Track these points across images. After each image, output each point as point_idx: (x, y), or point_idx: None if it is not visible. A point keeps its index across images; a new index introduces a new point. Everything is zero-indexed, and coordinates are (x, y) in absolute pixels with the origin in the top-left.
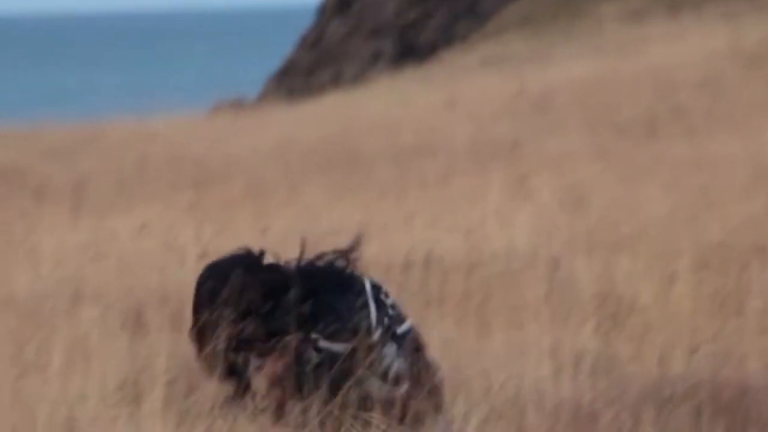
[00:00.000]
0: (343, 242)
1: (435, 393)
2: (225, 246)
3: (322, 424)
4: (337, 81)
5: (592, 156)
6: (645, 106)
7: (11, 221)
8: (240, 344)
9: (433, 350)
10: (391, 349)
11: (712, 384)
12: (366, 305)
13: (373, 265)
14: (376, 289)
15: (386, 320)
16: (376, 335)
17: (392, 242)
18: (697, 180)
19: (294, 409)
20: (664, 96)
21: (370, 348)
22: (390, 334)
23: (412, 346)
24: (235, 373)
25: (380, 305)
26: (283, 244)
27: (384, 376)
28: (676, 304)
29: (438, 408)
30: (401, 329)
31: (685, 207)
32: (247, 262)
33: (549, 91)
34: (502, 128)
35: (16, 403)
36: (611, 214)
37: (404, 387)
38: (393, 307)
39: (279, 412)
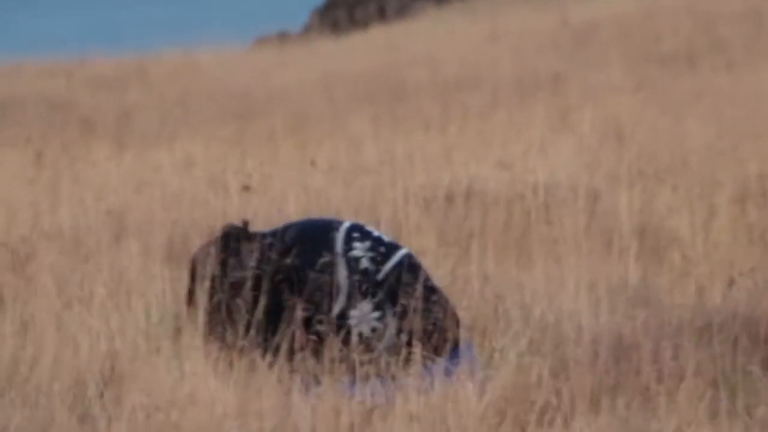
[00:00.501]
0: (384, 174)
1: (444, 324)
2: (268, 178)
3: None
4: (381, 14)
5: (633, 88)
6: (686, 38)
7: (57, 153)
8: None
9: (473, 282)
10: (365, 307)
11: (750, 316)
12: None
13: (415, 197)
14: (351, 232)
15: (356, 277)
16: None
17: (434, 175)
18: (737, 112)
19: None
20: (704, 28)
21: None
22: (364, 290)
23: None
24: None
25: (350, 261)
26: (326, 176)
27: (360, 337)
28: (715, 237)
29: (451, 340)
30: (386, 267)
31: (725, 139)
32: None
33: (591, 24)
34: (545, 61)
35: (59, 335)
36: (652, 147)
37: (385, 340)
38: (377, 243)
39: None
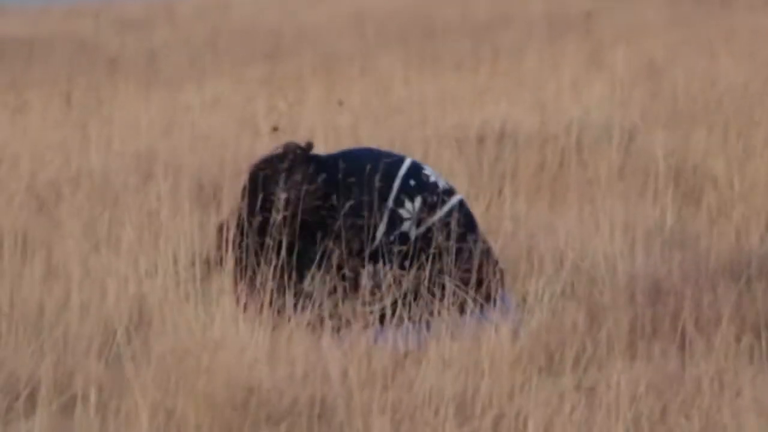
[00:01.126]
0: (415, 115)
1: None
2: (297, 118)
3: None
4: None
5: (667, 27)
6: None
7: (84, 95)
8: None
9: (506, 225)
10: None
11: None
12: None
13: (447, 138)
14: (408, 180)
15: (392, 237)
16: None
17: (466, 115)
18: None
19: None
20: None
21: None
22: (395, 252)
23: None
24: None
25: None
26: (356, 116)
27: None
28: (751, 178)
29: (495, 289)
30: (430, 221)
31: (761, 78)
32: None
33: None
34: None
35: (87, 278)
36: (687, 86)
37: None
38: (430, 192)
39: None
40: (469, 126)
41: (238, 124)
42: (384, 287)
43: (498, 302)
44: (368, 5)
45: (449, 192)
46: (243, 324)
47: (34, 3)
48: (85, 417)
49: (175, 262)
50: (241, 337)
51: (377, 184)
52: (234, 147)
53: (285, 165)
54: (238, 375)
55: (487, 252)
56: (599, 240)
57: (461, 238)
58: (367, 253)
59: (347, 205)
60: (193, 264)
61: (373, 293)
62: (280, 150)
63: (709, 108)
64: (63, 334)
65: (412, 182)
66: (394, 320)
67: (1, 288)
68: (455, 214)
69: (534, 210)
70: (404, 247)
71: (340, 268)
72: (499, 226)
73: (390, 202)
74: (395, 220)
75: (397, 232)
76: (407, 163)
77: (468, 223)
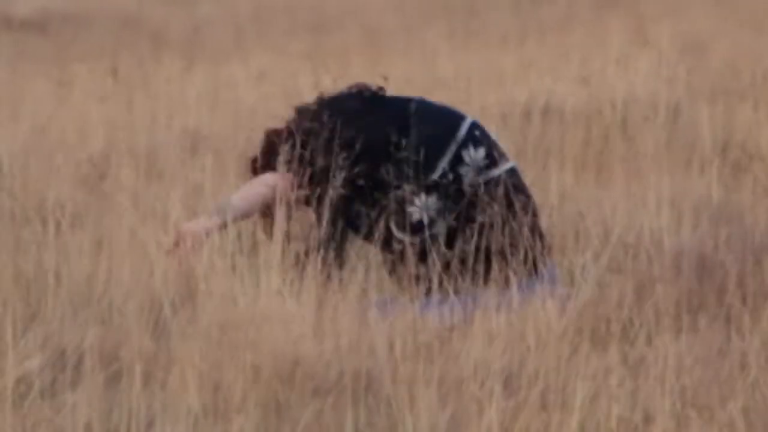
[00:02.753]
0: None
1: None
2: None
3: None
4: None
5: (712, 3)
6: None
7: (129, 69)
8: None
9: (552, 199)
10: (430, 200)
11: None
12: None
13: (492, 113)
14: (473, 129)
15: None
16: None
17: (511, 90)
18: None
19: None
20: None
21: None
22: (432, 185)
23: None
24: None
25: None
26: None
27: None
28: None
29: (543, 262)
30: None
31: None
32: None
33: None
34: None
35: (134, 252)
36: (732, 62)
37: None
38: (495, 143)
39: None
40: (514, 101)
41: (283, 98)
42: (429, 261)
43: (545, 275)
44: None
45: (506, 156)
46: (289, 297)
47: None
48: (131, 389)
49: (222, 234)
50: (287, 309)
51: (446, 122)
52: (278, 120)
53: (354, 104)
54: (284, 348)
55: (534, 224)
56: (645, 214)
57: (512, 203)
58: (425, 181)
59: (412, 139)
60: (239, 237)
61: (420, 262)
62: (353, 89)
63: (755, 83)
64: (109, 307)
65: (477, 132)
66: (440, 293)
67: (48, 260)
68: (508, 179)
69: (580, 185)
70: (458, 186)
71: (387, 242)
72: (545, 201)
73: (459, 138)
74: (459, 159)
75: (457, 172)
76: (470, 118)
77: (521, 190)
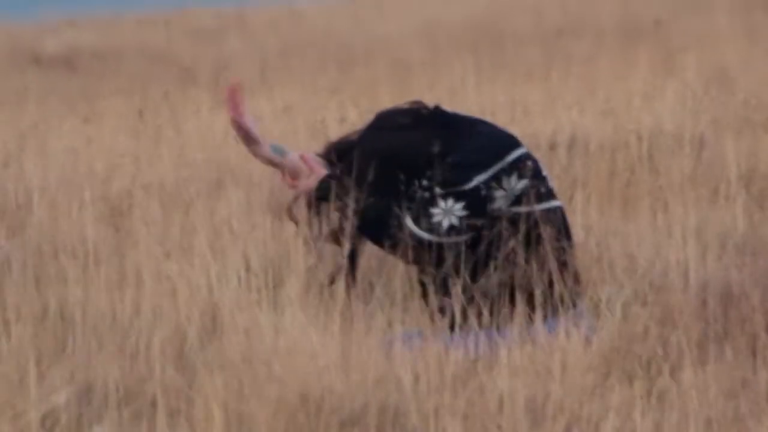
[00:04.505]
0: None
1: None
2: None
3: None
4: None
5: (739, 35)
6: None
7: (156, 104)
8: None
9: (578, 232)
10: (455, 206)
11: None
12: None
13: None
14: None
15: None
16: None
17: (537, 123)
18: None
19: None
20: None
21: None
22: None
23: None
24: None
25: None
26: None
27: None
28: None
29: (577, 293)
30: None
31: None
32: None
33: None
34: (648, 6)
35: (160, 284)
36: (759, 93)
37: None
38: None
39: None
40: (540, 133)
41: (309, 132)
42: (453, 295)
43: (571, 311)
44: (438, 15)
45: (553, 194)
46: (314, 330)
47: (104, 12)
48: (156, 423)
49: (247, 269)
50: (312, 343)
51: (498, 143)
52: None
53: (407, 120)
54: (310, 381)
55: (566, 263)
56: (671, 246)
57: (540, 239)
58: (456, 188)
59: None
60: (264, 271)
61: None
62: (406, 105)
63: None
64: (135, 341)
65: (528, 164)
66: (465, 326)
67: (73, 295)
68: (545, 216)
69: (605, 217)
70: (486, 206)
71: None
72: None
73: (505, 162)
74: (497, 180)
75: (491, 192)
76: (526, 149)
77: (560, 229)
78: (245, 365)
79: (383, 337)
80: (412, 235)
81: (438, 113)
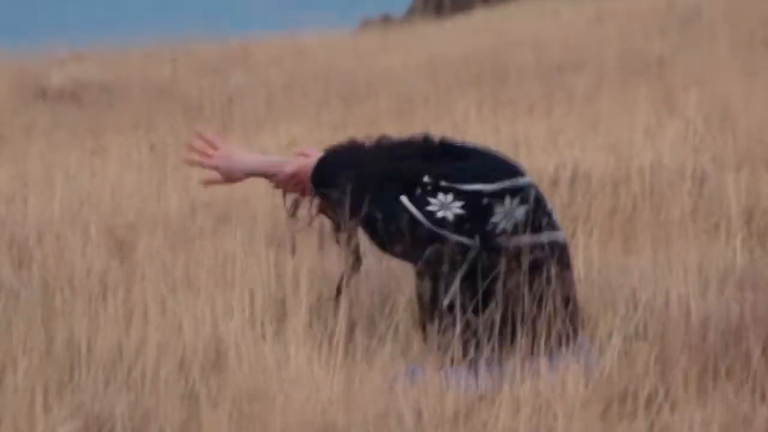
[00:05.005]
0: None
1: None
2: None
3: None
4: None
5: (740, 72)
6: None
7: (162, 139)
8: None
9: (580, 266)
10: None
11: None
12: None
13: None
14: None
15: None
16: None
17: (539, 158)
18: None
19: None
20: None
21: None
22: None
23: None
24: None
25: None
26: None
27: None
28: None
29: (575, 328)
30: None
31: None
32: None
33: (697, 5)
34: (650, 43)
35: (164, 320)
36: (760, 130)
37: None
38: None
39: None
40: (542, 169)
41: None
42: (456, 330)
43: (572, 346)
44: (440, 50)
45: (556, 226)
46: (317, 364)
47: (110, 46)
48: None
49: (251, 303)
50: (315, 377)
51: (504, 168)
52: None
53: (410, 150)
54: (313, 416)
55: (568, 296)
56: (672, 281)
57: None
58: (456, 185)
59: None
60: (268, 305)
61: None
62: (415, 137)
63: None
64: (140, 375)
65: (530, 193)
66: (466, 361)
67: (79, 329)
68: (546, 248)
69: (607, 252)
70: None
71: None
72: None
73: (508, 184)
74: (499, 197)
75: (491, 204)
76: (531, 179)
77: (561, 262)
78: (249, 399)
79: (386, 372)
80: (406, 212)
81: (445, 144)
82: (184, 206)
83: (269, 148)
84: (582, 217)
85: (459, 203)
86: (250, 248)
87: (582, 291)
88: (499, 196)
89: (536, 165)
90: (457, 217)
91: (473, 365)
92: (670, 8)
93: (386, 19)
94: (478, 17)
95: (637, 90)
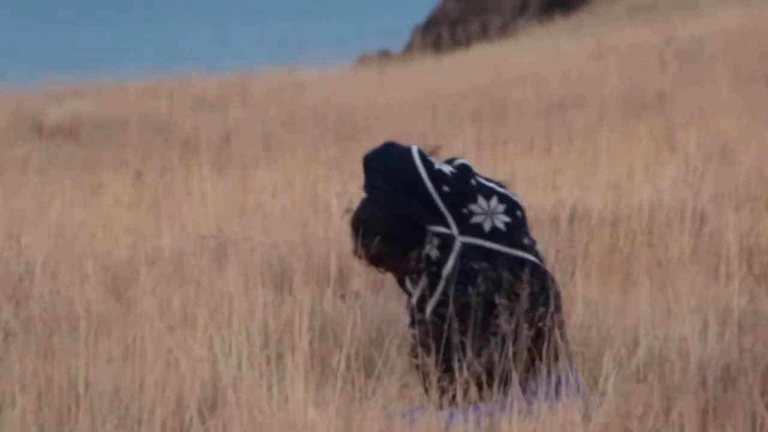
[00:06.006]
0: None
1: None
2: None
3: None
4: (484, 32)
5: (741, 108)
6: None
7: (158, 176)
8: None
9: (579, 306)
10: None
11: None
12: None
13: None
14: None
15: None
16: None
17: (539, 196)
18: None
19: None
20: None
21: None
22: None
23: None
24: None
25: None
26: None
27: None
28: None
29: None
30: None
31: None
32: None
33: (698, 40)
34: (650, 79)
35: (162, 360)
36: (760, 168)
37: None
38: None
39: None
40: (541, 207)
41: (310, 206)
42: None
43: (569, 381)
44: (439, 86)
45: (540, 257)
46: (315, 405)
47: (107, 82)
48: None
49: (249, 342)
50: (312, 420)
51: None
52: (305, 229)
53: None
54: None
55: (554, 321)
56: (671, 323)
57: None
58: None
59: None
60: (266, 345)
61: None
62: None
63: None
64: (138, 414)
65: (517, 212)
66: (465, 402)
67: (77, 368)
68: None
69: (605, 292)
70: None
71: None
72: (571, 308)
73: (501, 192)
74: (488, 195)
75: (478, 192)
76: (522, 205)
77: (545, 296)
78: None
79: (384, 413)
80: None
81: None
82: (180, 243)
83: (266, 185)
84: (581, 256)
85: (451, 168)
86: (247, 287)
87: (581, 332)
88: (488, 192)
89: (535, 203)
90: (449, 174)
91: (472, 405)
92: (670, 43)
93: (384, 55)
94: (477, 53)
95: (637, 127)
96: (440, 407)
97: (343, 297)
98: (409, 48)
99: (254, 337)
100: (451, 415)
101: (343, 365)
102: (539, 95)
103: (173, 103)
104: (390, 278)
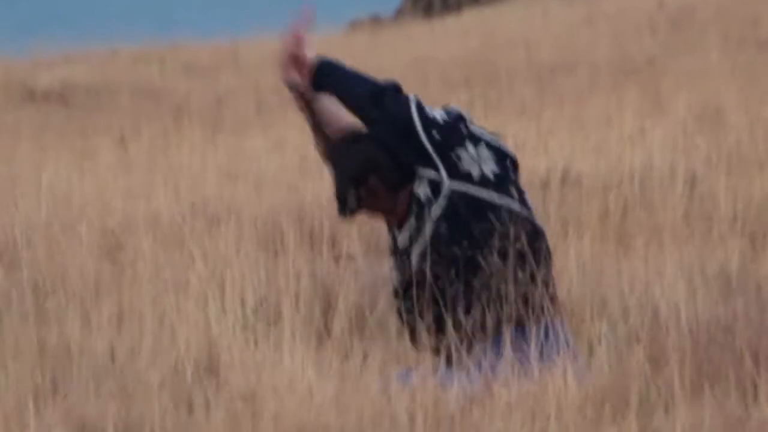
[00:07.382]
0: None
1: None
2: None
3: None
4: None
5: (730, 73)
6: None
7: (151, 140)
8: None
9: (572, 269)
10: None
11: None
12: None
13: None
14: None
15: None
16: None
17: (530, 160)
18: None
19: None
20: None
21: None
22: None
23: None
24: None
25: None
26: None
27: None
28: None
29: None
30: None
31: None
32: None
33: (689, 6)
34: (641, 44)
35: (156, 323)
36: (750, 131)
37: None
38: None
39: None
40: (533, 170)
41: (301, 169)
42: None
43: (561, 337)
44: (430, 51)
45: (529, 206)
46: (311, 368)
47: (99, 48)
48: None
49: (243, 305)
50: (308, 381)
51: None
52: (298, 192)
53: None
54: (307, 419)
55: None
56: (664, 284)
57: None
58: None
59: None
60: (261, 306)
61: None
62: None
63: None
64: (133, 379)
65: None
66: (460, 363)
67: (71, 332)
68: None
69: (598, 255)
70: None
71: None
72: (564, 271)
73: (494, 140)
74: (477, 142)
75: (468, 138)
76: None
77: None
78: (242, 403)
79: (379, 375)
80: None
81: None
82: (173, 207)
83: (258, 150)
84: (573, 219)
85: (444, 115)
86: (242, 249)
87: (574, 294)
88: (477, 138)
89: (527, 167)
90: (441, 120)
91: (466, 367)
92: (660, 9)
93: (375, 20)
94: (468, 17)
95: (627, 91)
96: (434, 368)
97: (337, 260)
98: (399, 13)
99: (248, 299)
100: (446, 376)
101: (338, 328)
102: (530, 60)
103: (164, 69)
104: (383, 241)
